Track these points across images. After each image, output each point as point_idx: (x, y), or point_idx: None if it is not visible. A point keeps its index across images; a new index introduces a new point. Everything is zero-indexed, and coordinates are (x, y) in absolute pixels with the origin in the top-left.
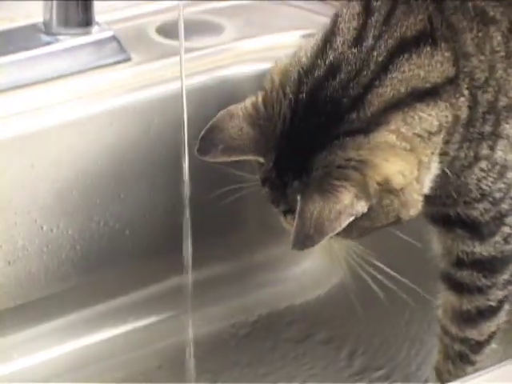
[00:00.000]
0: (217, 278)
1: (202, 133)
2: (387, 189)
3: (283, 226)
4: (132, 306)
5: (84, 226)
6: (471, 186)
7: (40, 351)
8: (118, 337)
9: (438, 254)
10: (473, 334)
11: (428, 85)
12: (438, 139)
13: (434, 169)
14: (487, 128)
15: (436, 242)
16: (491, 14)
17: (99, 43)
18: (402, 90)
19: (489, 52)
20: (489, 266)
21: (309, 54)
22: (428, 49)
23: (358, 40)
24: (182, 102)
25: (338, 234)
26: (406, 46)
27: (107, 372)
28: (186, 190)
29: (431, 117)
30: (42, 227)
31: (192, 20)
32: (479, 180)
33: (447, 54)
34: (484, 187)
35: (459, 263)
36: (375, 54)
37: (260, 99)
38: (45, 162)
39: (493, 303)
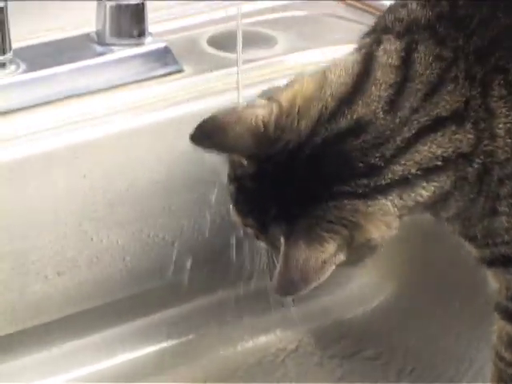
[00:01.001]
0: (265, 291)
1: (201, 122)
2: (366, 245)
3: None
4: (180, 318)
5: (134, 238)
6: (499, 231)
7: (87, 363)
8: (166, 349)
9: (495, 288)
10: None
11: (439, 163)
12: (425, 204)
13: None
14: (504, 190)
15: (491, 279)
16: None
17: (152, 54)
18: (413, 171)
19: None
20: None
21: (335, 93)
22: (453, 127)
23: (393, 105)
24: None
25: None
26: (436, 126)
27: (154, 381)
28: None
29: (426, 191)
30: (91, 238)
31: (245, 32)
32: (507, 229)
33: (469, 136)
34: None
35: None
36: (406, 129)
37: (273, 118)
38: (96, 173)
39: None
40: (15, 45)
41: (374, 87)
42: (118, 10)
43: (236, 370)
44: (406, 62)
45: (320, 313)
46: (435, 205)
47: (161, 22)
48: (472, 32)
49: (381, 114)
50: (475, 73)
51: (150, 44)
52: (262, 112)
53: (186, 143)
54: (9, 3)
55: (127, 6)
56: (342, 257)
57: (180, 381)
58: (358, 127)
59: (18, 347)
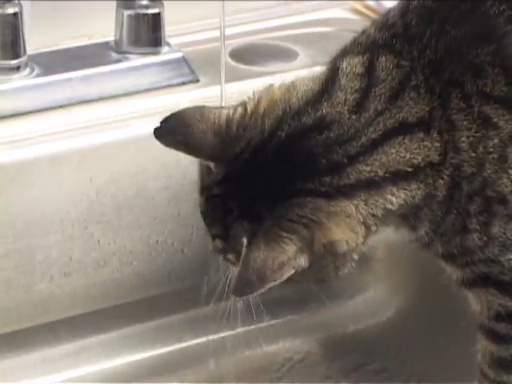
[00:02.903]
0: (274, 301)
1: (168, 116)
2: (329, 251)
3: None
4: (186, 324)
5: (142, 243)
6: (474, 249)
7: (92, 363)
8: (170, 354)
9: (476, 310)
10: (509, 378)
11: (409, 169)
12: (395, 214)
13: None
14: (473, 207)
15: (472, 300)
16: (494, 120)
17: (168, 63)
18: (380, 173)
19: (481, 152)
20: None
21: (300, 96)
22: (421, 134)
23: (358, 107)
24: None
25: None
26: (403, 130)
27: None
28: None
29: (396, 198)
30: (98, 241)
31: (266, 45)
32: (480, 247)
33: (436, 144)
34: (489, 255)
35: (497, 317)
36: (371, 129)
37: (237, 117)
38: (104, 177)
39: None
40: (35, 50)
41: (339, 92)
42: (136, 18)
43: (241, 377)
44: (368, 70)
45: (328, 324)
46: (408, 218)
47: (183, 35)
48: (425, 46)
49: (346, 114)
50: (433, 85)
51: (166, 53)
52: (226, 111)
53: None
54: (38, 8)
55: (144, 14)
56: (302, 261)
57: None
58: (322, 124)
59: (22, 345)
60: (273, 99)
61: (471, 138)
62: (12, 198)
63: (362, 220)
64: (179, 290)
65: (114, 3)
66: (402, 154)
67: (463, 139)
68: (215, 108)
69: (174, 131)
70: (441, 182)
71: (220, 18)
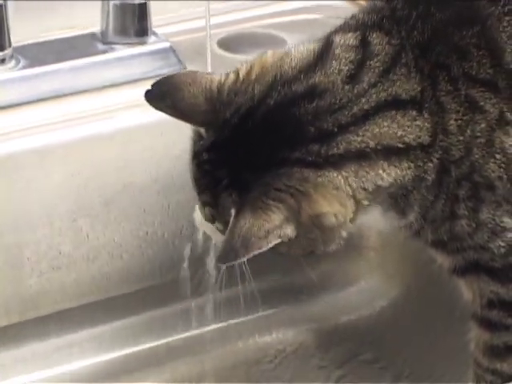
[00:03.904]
0: (269, 291)
1: (160, 79)
2: (317, 223)
3: (197, 217)
4: (178, 316)
5: (132, 236)
6: (463, 235)
7: (83, 357)
8: (162, 346)
9: (469, 298)
10: (503, 366)
11: (401, 145)
12: (386, 191)
13: (373, 213)
14: (462, 192)
15: (465, 290)
16: (481, 103)
17: (155, 53)
18: (372, 144)
19: (469, 135)
20: None
21: (294, 64)
22: (413, 113)
23: (352, 78)
24: None
25: None
26: (396, 105)
27: (152, 377)
28: None
29: (387, 175)
30: (87, 235)
31: (254, 33)
32: (469, 233)
33: (427, 125)
34: (479, 241)
35: (489, 304)
36: (363, 100)
37: (228, 83)
38: (92, 170)
39: None
40: (20, 43)
41: (334, 61)
42: (122, 8)
43: (234, 369)
44: (363, 43)
45: (321, 315)
46: (397, 201)
47: (170, 24)
48: (412, 28)
49: (339, 84)
50: (422, 66)
51: (153, 43)
52: (218, 77)
53: (185, 142)
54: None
55: (130, 5)
56: (288, 231)
57: (177, 378)
58: (313, 92)
59: (12, 340)
60: (265, 66)
61: (459, 121)
62: None
63: (351, 193)
64: (170, 282)
65: None
66: (395, 130)
67: (451, 122)
68: (207, 74)
69: (165, 95)
70: (430, 165)
71: (206, 7)
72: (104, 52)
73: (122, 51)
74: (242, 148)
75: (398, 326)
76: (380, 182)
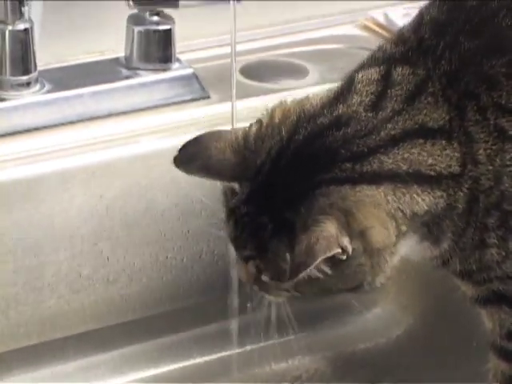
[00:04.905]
0: (283, 319)
1: (185, 143)
2: (365, 242)
3: (239, 274)
4: (195, 341)
5: (151, 260)
6: (492, 264)
7: (100, 380)
8: (178, 371)
9: (489, 328)
10: None
11: (432, 173)
12: (420, 220)
13: (410, 242)
14: (491, 221)
15: (485, 318)
16: (510, 132)
17: (178, 80)
18: (404, 167)
19: (498, 165)
20: None
21: (315, 103)
22: (443, 142)
23: (374, 106)
24: None
25: (298, 287)
26: (424, 133)
27: None
28: None
29: (422, 200)
30: (107, 258)
31: (276, 62)
32: (498, 262)
33: (457, 155)
34: (506, 270)
35: (509, 335)
36: (389, 126)
37: (253, 131)
38: (114, 194)
39: None
40: (45, 66)
41: (355, 95)
42: (146, 35)
43: None
44: (385, 76)
45: (338, 342)
46: (431, 229)
47: (193, 51)
48: (439, 58)
49: (362, 112)
50: (450, 95)
51: (176, 70)
52: (242, 129)
53: None
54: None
55: (155, 31)
56: (345, 241)
57: None
58: (339, 122)
59: (31, 361)
60: (286, 109)
61: (488, 151)
62: (22, 214)
63: (391, 212)
64: (188, 307)
65: (125, 19)
66: (425, 158)
67: (480, 152)
68: (231, 129)
69: (193, 157)
70: (461, 194)
71: (231, 35)
72: (128, 77)
73: (146, 77)
74: (279, 188)
75: (414, 355)
76: (416, 208)
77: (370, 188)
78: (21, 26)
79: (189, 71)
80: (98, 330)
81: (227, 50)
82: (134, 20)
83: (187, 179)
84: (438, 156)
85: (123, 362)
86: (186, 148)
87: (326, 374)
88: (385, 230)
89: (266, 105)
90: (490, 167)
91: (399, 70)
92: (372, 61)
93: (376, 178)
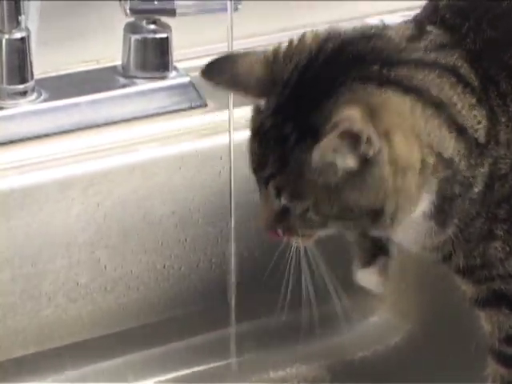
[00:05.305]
0: (281, 328)
1: (213, 59)
2: (389, 147)
3: (259, 218)
4: (193, 349)
5: (148, 268)
6: (495, 261)
7: None
8: (177, 379)
9: (487, 330)
10: None
11: (460, 120)
12: (442, 172)
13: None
14: (502, 212)
15: (484, 321)
16: None
17: (175, 88)
18: (433, 91)
19: None
20: None
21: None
22: (474, 100)
23: (410, 37)
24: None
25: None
26: (457, 76)
27: None
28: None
29: (448, 141)
30: (105, 266)
31: None
32: (501, 260)
33: (484, 123)
34: (509, 269)
35: (508, 340)
36: (422, 53)
37: (282, 49)
38: (111, 202)
39: None
40: (42, 75)
41: (391, 30)
42: (143, 43)
43: None
44: (418, 27)
45: (336, 350)
46: (442, 204)
47: (192, 59)
48: (465, 35)
49: (396, 38)
50: (477, 69)
51: (174, 78)
52: (271, 48)
53: (203, 176)
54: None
55: (152, 39)
56: (370, 129)
57: None
58: (372, 35)
59: (28, 370)
60: (317, 33)
61: (507, 136)
62: (20, 223)
63: (416, 127)
64: (185, 315)
65: (122, 27)
66: (455, 98)
67: (502, 133)
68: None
69: (222, 70)
70: (481, 170)
71: (228, 43)
72: (125, 86)
73: (143, 85)
74: (305, 97)
75: (413, 362)
76: (440, 146)
77: (397, 93)
78: (17, 35)
79: (186, 79)
80: (96, 339)
81: None
82: (131, 28)
83: (186, 188)
84: (468, 109)
85: (121, 370)
86: (214, 62)
87: (325, 382)
88: (408, 144)
89: None
90: (508, 152)
91: (431, 27)
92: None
93: (403, 87)
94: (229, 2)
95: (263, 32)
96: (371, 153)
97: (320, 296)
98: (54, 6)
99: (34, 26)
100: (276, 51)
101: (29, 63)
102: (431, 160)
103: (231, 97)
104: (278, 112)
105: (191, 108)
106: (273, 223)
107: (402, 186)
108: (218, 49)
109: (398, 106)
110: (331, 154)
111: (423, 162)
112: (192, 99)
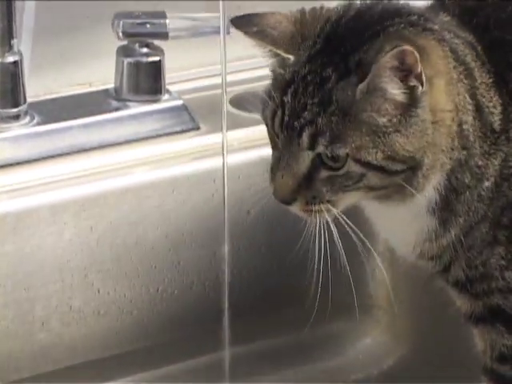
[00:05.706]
0: (275, 351)
1: (242, 14)
2: (431, 92)
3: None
4: (185, 373)
5: (142, 291)
6: (494, 272)
7: None
8: None
9: (481, 349)
10: None
11: (479, 95)
12: (459, 151)
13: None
14: (504, 219)
15: (478, 339)
16: None
17: (168, 111)
18: (461, 52)
19: None
20: None
21: None
22: (491, 81)
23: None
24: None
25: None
26: (476, 53)
27: None
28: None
29: (469, 115)
30: (98, 290)
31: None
32: (501, 269)
33: (499, 109)
34: (508, 279)
35: (501, 358)
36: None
37: (308, 10)
38: (104, 226)
39: None
40: (34, 98)
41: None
42: (136, 66)
43: None
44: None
45: (330, 373)
46: (449, 197)
47: (183, 82)
48: (472, 31)
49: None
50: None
51: (166, 101)
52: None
53: (196, 199)
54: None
55: (145, 63)
56: (419, 66)
57: None
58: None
59: None
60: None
61: None
62: (12, 248)
63: (455, 77)
64: (179, 339)
65: (114, 51)
66: (476, 70)
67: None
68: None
69: (251, 22)
70: (494, 161)
71: (221, 66)
72: (117, 109)
73: (136, 108)
74: (342, 42)
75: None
76: (463, 115)
77: (436, 40)
78: (10, 59)
79: (178, 102)
80: (90, 363)
81: (217, 80)
82: (124, 51)
83: (178, 211)
84: (485, 87)
85: None
86: (243, 15)
87: None
88: (446, 94)
89: (256, 136)
90: None
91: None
92: None
93: (440, 37)
94: (221, 25)
95: (255, 54)
96: (419, 91)
97: (314, 319)
98: (46, 30)
99: (27, 49)
100: (302, 12)
101: (21, 87)
102: (454, 127)
103: (225, 120)
104: (314, 60)
105: (184, 131)
106: (295, 192)
107: (436, 140)
108: (211, 71)
109: (441, 53)
110: (384, 79)
111: (450, 126)
112: (185, 122)
